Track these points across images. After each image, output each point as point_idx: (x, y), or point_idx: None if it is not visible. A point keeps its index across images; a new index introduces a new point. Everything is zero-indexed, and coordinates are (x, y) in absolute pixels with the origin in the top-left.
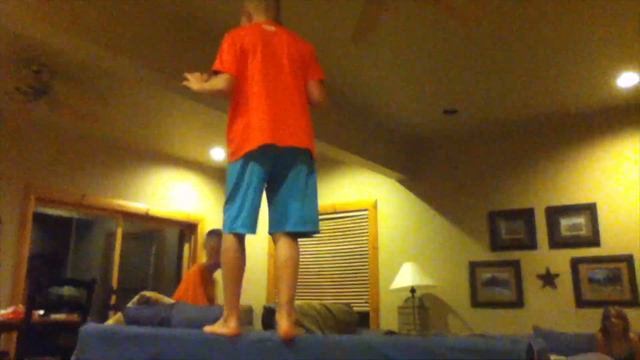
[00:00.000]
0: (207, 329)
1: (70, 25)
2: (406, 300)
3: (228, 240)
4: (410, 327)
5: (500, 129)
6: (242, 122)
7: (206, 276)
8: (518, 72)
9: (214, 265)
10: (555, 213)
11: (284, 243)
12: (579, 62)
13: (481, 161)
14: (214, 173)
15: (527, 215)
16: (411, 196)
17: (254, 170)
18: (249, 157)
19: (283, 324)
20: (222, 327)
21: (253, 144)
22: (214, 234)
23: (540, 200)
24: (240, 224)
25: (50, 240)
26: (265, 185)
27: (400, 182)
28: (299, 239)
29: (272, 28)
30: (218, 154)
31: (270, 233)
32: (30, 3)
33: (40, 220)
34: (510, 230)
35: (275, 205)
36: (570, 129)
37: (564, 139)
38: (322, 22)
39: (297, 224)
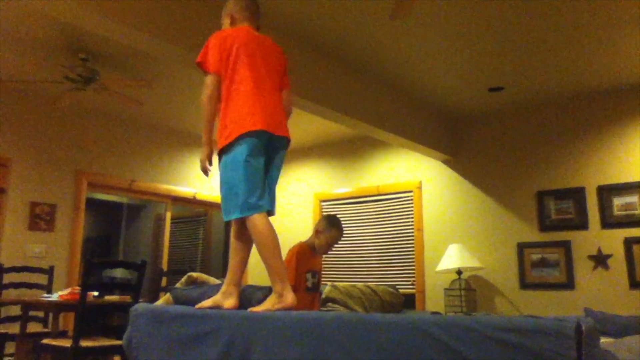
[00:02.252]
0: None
1: (116, 12)
2: (452, 282)
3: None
4: (457, 309)
5: (548, 105)
6: (239, 111)
7: (302, 256)
8: (566, 46)
9: (322, 251)
10: (607, 192)
11: (268, 222)
12: (631, 35)
13: (528, 139)
14: None
15: (577, 194)
16: (456, 176)
17: (257, 151)
18: (252, 137)
19: (290, 295)
20: (223, 301)
21: (256, 126)
22: (337, 227)
23: (591, 179)
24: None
25: (102, 224)
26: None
27: (445, 162)
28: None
29: (257, 34)
30: None
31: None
32: None
33: (93, 205)
34: (559, 210)
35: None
36: (623, 103)
37: (615, 114)
38: (365, 5)
39: (272, 205)
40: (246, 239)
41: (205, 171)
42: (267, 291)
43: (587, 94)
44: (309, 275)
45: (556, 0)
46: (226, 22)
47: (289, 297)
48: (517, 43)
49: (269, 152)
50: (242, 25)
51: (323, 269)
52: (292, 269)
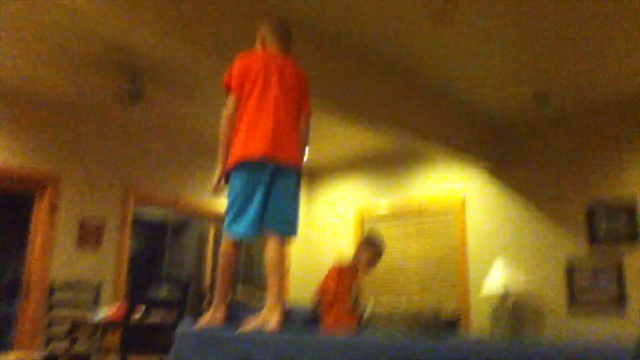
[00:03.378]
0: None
1: (161, 27)
2: (498, 303)
3: (226, 243)
4: (504, 331)
5: (596, 113)
6: (244, 135)
7: (342, 276)
8: (616, 49)
9: (364, 272)
10: None
11: (272, 244)
12: None
13: (576, 148)
14: (302, 175)
15: (630, 207)
16: (501, 188)
17: (255, 178)
18: (251, 165)
19: (276, 320)
20: (212, 316)
21: (257, 153)
22: (379, 246)
23: None
24: (240, 227)
25: (147, 243)
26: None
27: (489, 173)
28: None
29: (280, 57)
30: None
31: (259, 234)
32: (122, 6)
33: (139, 224)
34: (611, 223)
35: (267, 210)
36: None
37: None
38: (404, 4)
39: (282, 227)
40: (269, 256)
41: (215, 190)
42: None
43: (638, 100)
44: (350, 296)
45: (605, 6)
46: (257, 43)
47: (275, 318)
48: (564, 48)
49: (276, 176)
50: (269, 47)
51: (365, 286)
52: (334, 287)
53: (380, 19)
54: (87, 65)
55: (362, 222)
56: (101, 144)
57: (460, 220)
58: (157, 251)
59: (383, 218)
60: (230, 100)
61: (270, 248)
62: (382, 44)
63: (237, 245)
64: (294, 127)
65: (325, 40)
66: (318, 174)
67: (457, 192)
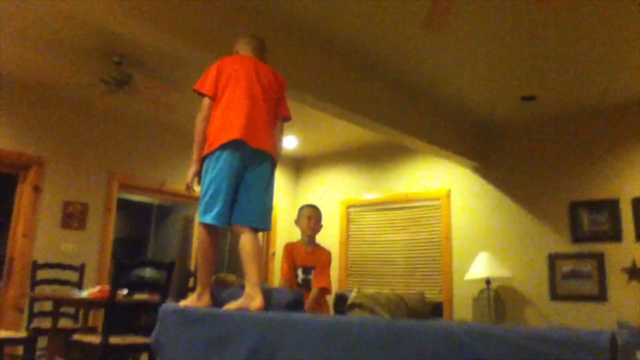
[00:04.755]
0: (182, 302)
1: (151, 17)
2: (481, 291)
3: (202, 231)
4: (485, 319)
5: (581, 115)
6: (221, 122)
7: (291, 252)
8: (600, 56)
9: (307, 238)
10: None
11: (247, 235)
12: None
13: (561, 149)
14: (286, 161)
15: (611, 206)
16: (486, 185)
17: (228, 164)
18: (225, 149)
19: (260, 299)
20: (197, 302)
21: (230, 136)
22: (303, 206)
23: (626, 191)
24: (212, 216)
25: (132, 225)
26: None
27: (475, 170)
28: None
29: (256, 60)
30: (290, 142)
31: (230, 223)
32: None
33: (124, 206)
34: (593, 222)
35: (240, 200)
36: None
37: None
38: (393, 7)
39: (257, 221)
40: (245, 248)
41: (188, 189)
42: (291, 292)
43: (620, 105)
44: (299, 271)
45: (591, 14)
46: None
47: (257, 300)
48: (550, 52)
49: (249, 167)
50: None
51: (350, 275)
52: (283, 265)
53: (370, 19)
54: (73, 50)
55: (347, 211)
56: (86, 128)
57: (445, 212)
58: (143, 234)
59: (369, 208)
60: (205, 103)
61: (244, 239)
62: (373, 46)
63: (212, 232)
64: (270, 122)
65: (313, 37)
66: (305, 163)
67: (443, 185)
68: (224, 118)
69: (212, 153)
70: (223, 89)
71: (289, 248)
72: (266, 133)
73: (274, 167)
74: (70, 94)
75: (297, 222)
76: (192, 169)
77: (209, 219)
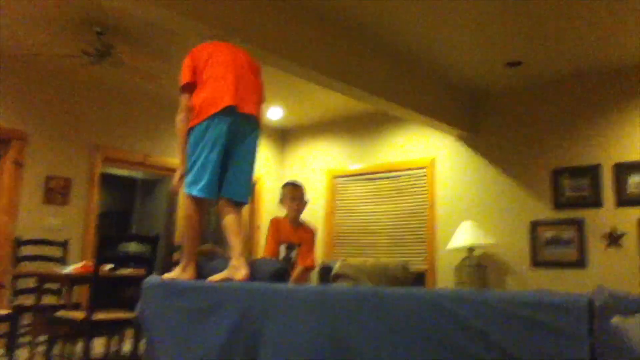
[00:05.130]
0: (167, 275)
1: None
2: (464, 259)
3: (189, 203)
4: (467, 286)
5: (565, 81)
6: (207, 92)
7: (277, 227)
8: (586, 21)
9: (292, 215)
10: (623, 170)
11: (232, 208)
12: None
13: (544, 115)
14: (272, 132)
15: (593, 172)
16: (471, 153)
17: (217, 134)
18: (214, 119)
19: (245, 269)
20: (182, 274)
21: (218, 106)
22: (286, 185)
23: (607, 156)
24: (200, 187)
25: (117, 199)
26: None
27: (460, 138)
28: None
29: (231, 44)
30: (276, 113)
31: (218, 197)
32: None
33: (108, 180)
34: (574, 188)
35: (228, 173)
36: None
37: (634, 91)
38: None
39: (242, 195)
40: (228, 221)
41: (175, 193)
42: (276, 263)
43: (605, 70)
44: (282, 247)
45: None
46: None
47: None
48: (535, 18)
49: (238, 138)
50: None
51: (335, 245)
52: (268, 239)
53: None
54: (54, 20)
55: (333, 181)
56: (68, 100)
57: (430, 181)
58: (128, 208)
59: (355, 178)
60: (183, 100)
61: (228, 212)
62: (358, 13)
63: (199, 205)
64: (259, 92)
65: (298, 4)
66: (291, 134)
67: (428, 154)
68: (212, 89)
69: (199, 123)
70: (202, 70)
71: (275, 223)
72: (257, 99)
73: (258, 137)
74: (52, 66)
75: (281, 201)
76: (178, 172)
77: (196, 190)
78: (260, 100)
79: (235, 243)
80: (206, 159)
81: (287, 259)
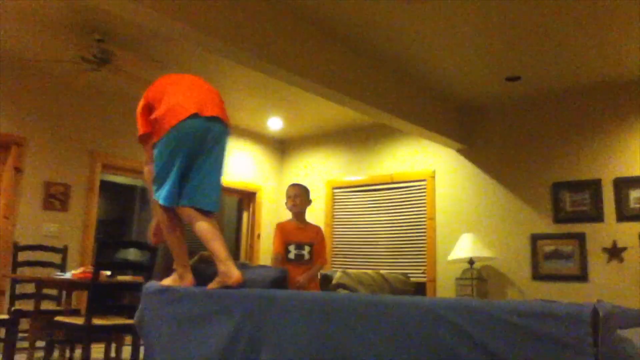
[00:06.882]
0: (164, 282)
1: None
2: (464, 271)
3: (160, 212)
4: (468, 298)
5: (565, 95)
6: (168, 105)
7: (282, 230)
8: (584, 36)
9: (293, 213)
10: (624, 184)
11: (202, 216)
12: None
13: (545, 129)
14: (272, 142)
15: (593, 186)
16: (470, 166)
17: (179, 143)
18: (176, 128)
19: (236, 272)
20: (179, 282)
21: (179, 116)
22: (289, 189)
23: (607, 171)
24: (163, 196)
25: (116, 206)
26: (187, 161)
27: (459, 151)
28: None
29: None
30: (275, 123)
31: (181, 204)
32: None
33: (107, 187)
34: (575, 202)
35: (193, 181)
36: None
37: (635, 106)
38: None
39: (211, 204)
40: (201, 229)
41: (149, 240)
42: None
43: (604, 85)
44: (291, 247)
45: None
46: None
47: (234, 276)
48: (534, 32)
49: (205, 144)
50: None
51: (335, 256)
52: (275, 241)
53: (358, 2)
54: (54, 26)
55: (333, 192)
56: (68, 108)
57: (430, 194)
58: (127, 215)
59: (354, 189)
60: (146, 153)
61: (200, 221)
62: (359, 26)
63: (170, 213)
64: (218, 96)
65: (298, 16)
66: (290, 145)
67: (428, 166)
68: (173, 102)
69: (165, 135)
70: (161, 99)
71: (280, 226)
72: (218, 102)
73: (226, 141)
74: (51, 73)
75: (285, 203)
76: (153, 221)
77: (161, 199)
78: (221, 103)
79: (215, 248)
80: (169, 168)
81: (299, 256)
